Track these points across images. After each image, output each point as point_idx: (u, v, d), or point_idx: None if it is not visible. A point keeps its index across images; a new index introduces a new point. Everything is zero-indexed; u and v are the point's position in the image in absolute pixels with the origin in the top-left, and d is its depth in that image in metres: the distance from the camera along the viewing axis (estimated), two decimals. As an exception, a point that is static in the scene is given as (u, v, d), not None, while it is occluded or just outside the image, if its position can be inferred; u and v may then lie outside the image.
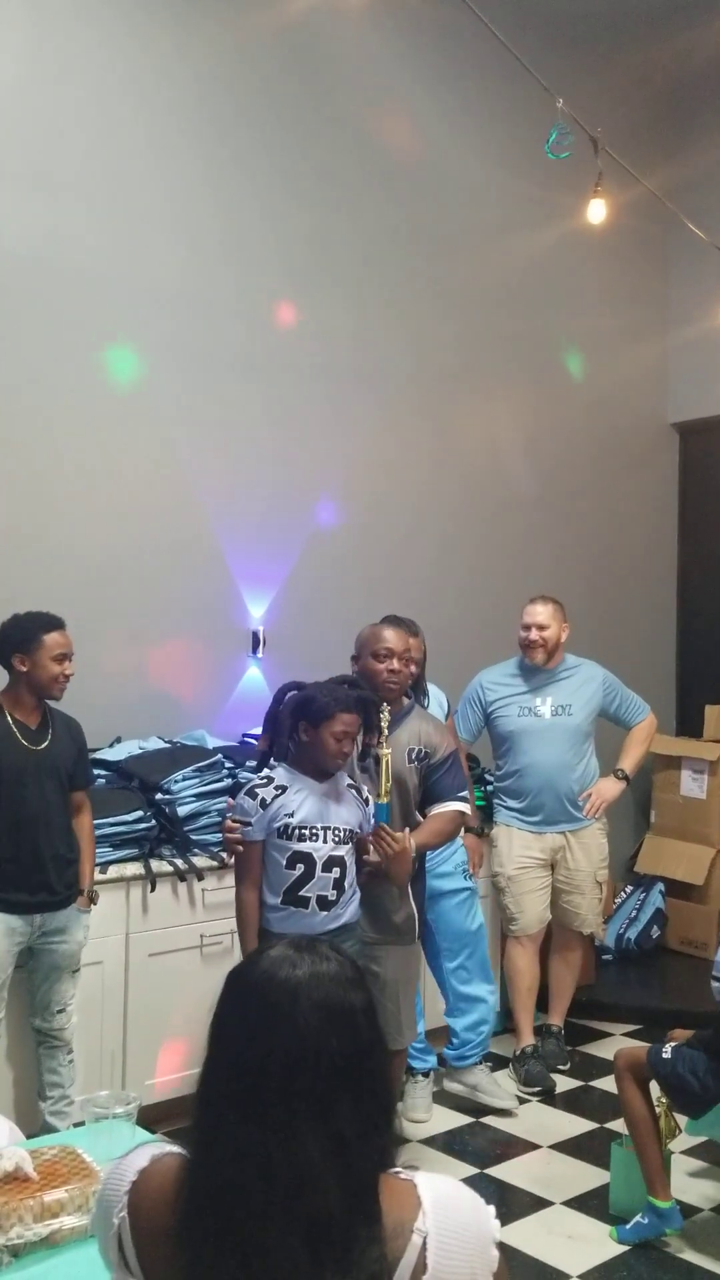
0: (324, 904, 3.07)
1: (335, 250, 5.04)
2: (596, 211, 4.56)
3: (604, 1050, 4.64)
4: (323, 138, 4.99)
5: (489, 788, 4.79)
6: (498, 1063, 4.53)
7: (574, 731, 4.45)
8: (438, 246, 5.42)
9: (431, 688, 4.14)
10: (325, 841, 3.07)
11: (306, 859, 3.06)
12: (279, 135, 4.84)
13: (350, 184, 5.09)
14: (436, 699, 4.14)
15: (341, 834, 3.08)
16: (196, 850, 3.86)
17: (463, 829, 4.16)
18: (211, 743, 4.28)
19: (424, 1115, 4.03)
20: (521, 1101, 4.21)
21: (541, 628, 4.43)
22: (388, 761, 3.11)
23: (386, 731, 3.12)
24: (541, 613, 4.45)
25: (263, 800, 3.09)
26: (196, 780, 3.95)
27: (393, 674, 3.35)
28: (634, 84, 6.19)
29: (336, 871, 3.08)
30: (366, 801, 3.17)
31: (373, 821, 3.17)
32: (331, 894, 3.08)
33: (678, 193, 5.70)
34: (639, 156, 5.00)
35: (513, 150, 5.48)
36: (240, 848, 3.13)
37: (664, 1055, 3.16)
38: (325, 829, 3.08)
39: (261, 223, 4.79)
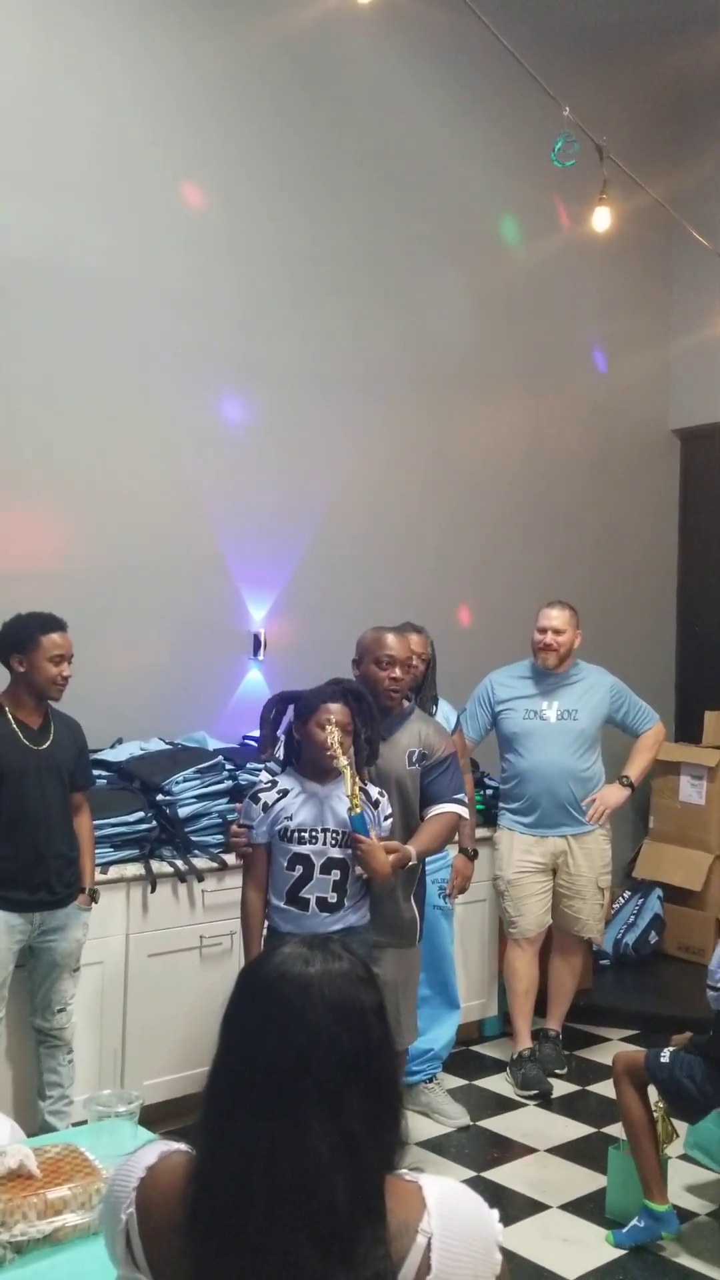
0: (324, 906, 3.09)
1: (339, 256, 5.05)
2: (601, 219, 4.57)
3: (601, 1055, 4.65)
4: (328, 144, 5.01)
5: (488, 791, 4.81)
6: (495, 1066, 4.55)
7: (578, 736, 4.47)
8: (441, 253, 5.43)
9: (442, 702, 4.15)
10: (324, 844, 3.09)
11: (305, 861, 3.09)
12: (284, 141, 4.86)
13: (355, 190, 5.11)
14: (444, 714, 4.14)
15: (341, 837, 3.10)
16: (197, 851, 3.87)
17: (456, 848, 4.18)
18: (212, 744, 4.28)
19: None
20: (518, 1105, 4.23)
21: (557, 632, 4.45)
22: (349, 773, 3.04)
23: (338, 745, 3.03)
24: (557, 617, 4.47)
25: (264, 804, 3.14)
26: (197, 782, 3.96)
27: (394, 681, 3.36)
28: (639, 92, 6.21)
29: (336, 874, 3.09)
30: (376, 804, 3.17)
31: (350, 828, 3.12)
32: (332, 896, 3.09)
33: (682, 201, 5.72)
34: (644, 164, 5.01)
35: (518, 157, 5.50)
36: (249, 849, 3.17)
37: (662, 1060, 3.17)
38: (324, 831, 3.10)
39: (265, 228, 4.80)
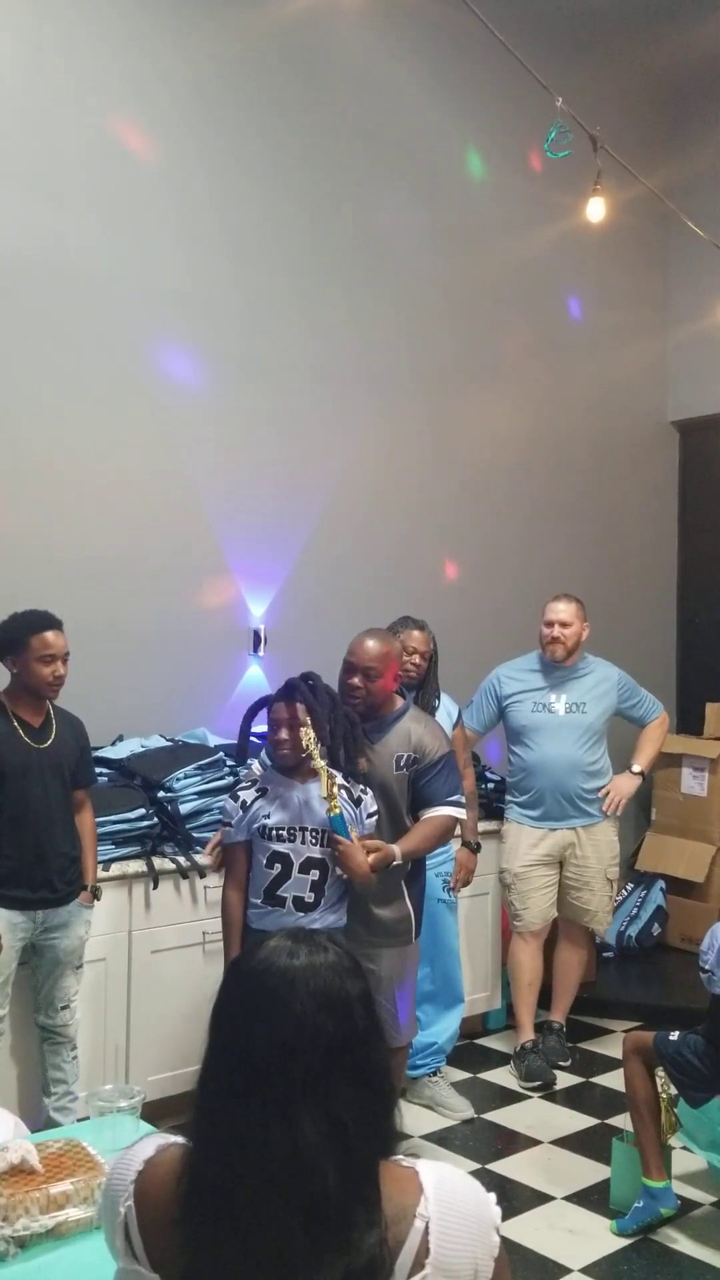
0: (301, 905, 3.10)
1: (336, 249, 5.05)
2: (596, 210, 4.57)
3: (605, 1047, 4.66)
4: (323, 136, 5.01)
5: (489, 785, 4.81)
6: (499, 1059, 4.55)
7: (586, 729, 4.47)
8: (437, 245, 5.44)
9: (444, 697, 4.15)
10: (303, 843, 3.10)
11: (284, 859, 3.11)
12: (280, 134, 4.86)
13: (351, 182, 5.11)
14: (446, 708, 4.14)
15: (321, 836, 3.11)
16: (198, 848, 3.87)
17: (459, 842, 4.18)
18: (213, 741, 4.29)
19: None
20: (522, 1097, 4.23)
21: (565, 625, 4.45)
22: (324, 773, 3.03)
23: (312, 747, 3.03)
24: (565, 610, 4.47)
25: (243, 802, 3.17)
26: (198, 778, 3.97)
27: (351, 689, 3.31)
28: (633, 82, 6.21)
29: (315, 874, 3.10)
30: (358, 802, 3.17)
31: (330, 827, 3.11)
32: (309, 895, 3.10)
33: (677, 191, 5.71)
34: (638, 155, 5.01)
35: (512, 148, 5.49)
36: (219, 848, 3.24)
37: (670, 1037, 3.20)
38: (302, 830, 3.11)
39: (263, 222, 4.81)
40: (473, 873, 4.33)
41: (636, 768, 4.61)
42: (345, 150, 5.08)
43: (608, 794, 4.49)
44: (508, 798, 4.62)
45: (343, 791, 3.13)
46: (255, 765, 3.35)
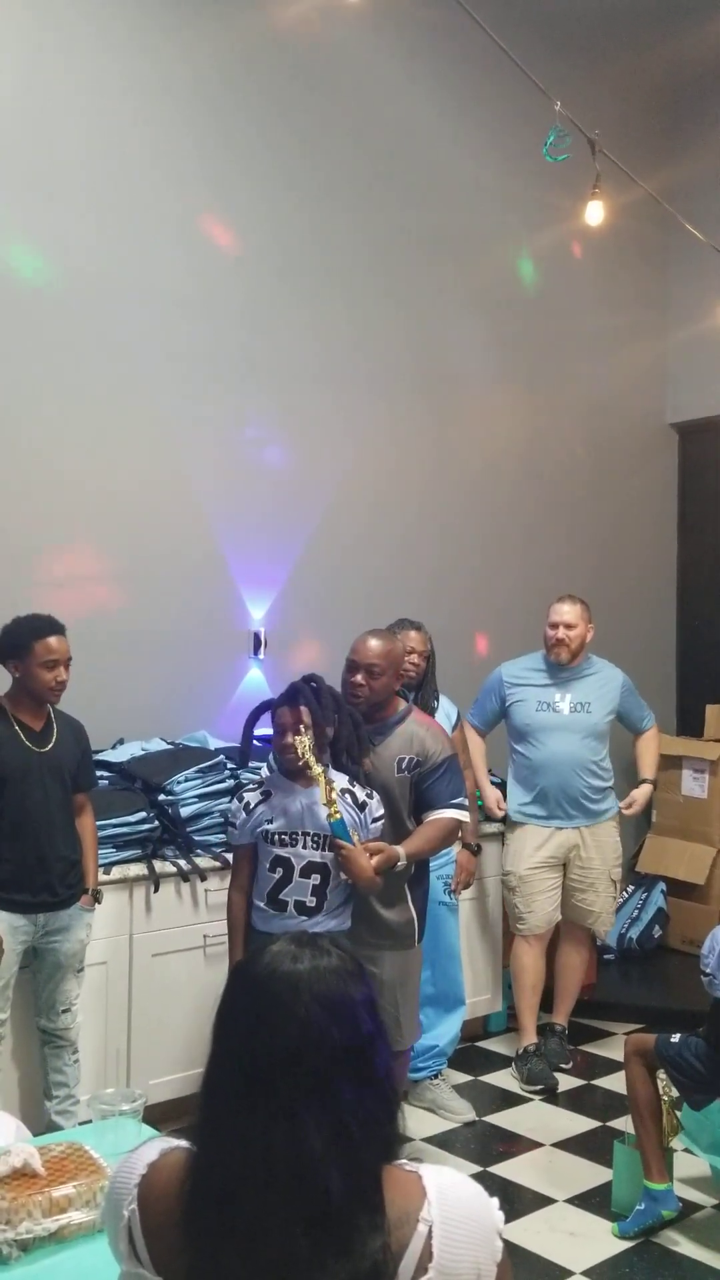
0: (302, 909, 3.10)
1: (337, 253, 5.05)
2: (594, 214, 4.57)
3: (606, 1049, 4.66)
4: (323, 140, 5.01)
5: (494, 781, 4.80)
6: (500, 1062, 4.55)
7: (591, 729, 4.48)
8: (437, 249, 5.44)
9: (443, 699, 4.15)
10: (305, 847, 3.10)
11: (285, 864, 3.10)
12: (280, 138, 4.85)
13: (351, 187, 5.11)
14: (445, 711, 4.14)
15: (322, 840, 3.10)
16: (199, 851, 3.87)
17: (460, 844, 4.18)
18: (213, 744, 4.28)
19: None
20: (524, 1100, 4.23)
21: (569, 626, 4.46)
22: (322, 780, 3.01)
23: (309, 755, 3.02)
24: (569, 612, 4.48)
25: (246, 805, 3.17)
26: (199, 781, 3.97)
27: (354, 687, 3.31)
28: (632, 86, 6.21)
29: (316, 878, 3.10)
30: (363, 806, 3.17)
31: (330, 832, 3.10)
32: (310, 900, 3.10)
33: (676, 194, 5.71)
34: (637, 158, 5.01)
35: (512, 152, 5.49)
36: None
37: (672, 1040, 3.20)
38: (305, 835, 3.10)
39: (263, 226, 4.81)
40: (473, 875, 4.32)
41: (649, 777, 4.66)
42: (345, 151, 5.08)
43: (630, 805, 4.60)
44: (511, 798, 4.62)
45: (347, 796, 3.12)
46: (264, 770, 3.35)
